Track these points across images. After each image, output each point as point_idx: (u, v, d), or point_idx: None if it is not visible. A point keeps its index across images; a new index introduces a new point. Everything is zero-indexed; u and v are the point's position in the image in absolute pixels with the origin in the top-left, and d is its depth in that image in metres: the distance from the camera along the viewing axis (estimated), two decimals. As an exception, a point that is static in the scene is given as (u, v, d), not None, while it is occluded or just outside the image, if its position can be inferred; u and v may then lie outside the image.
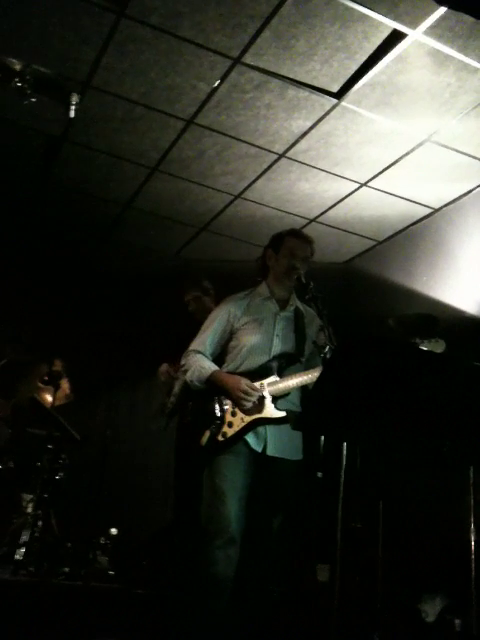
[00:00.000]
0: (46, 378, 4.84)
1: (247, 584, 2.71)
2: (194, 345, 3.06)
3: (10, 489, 4.55)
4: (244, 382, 2.83)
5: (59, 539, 4.46)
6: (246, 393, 2.80)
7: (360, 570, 3.50)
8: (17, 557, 4.08)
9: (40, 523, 4.30)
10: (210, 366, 2.96)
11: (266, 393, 2.83)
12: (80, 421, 5.06)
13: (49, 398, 4.85)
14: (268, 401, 2.83)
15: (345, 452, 2.00)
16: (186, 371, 2.99)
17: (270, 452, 2.81)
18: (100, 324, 5.98)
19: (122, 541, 4.96)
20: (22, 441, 4.62)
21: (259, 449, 2.80)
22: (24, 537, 4.23)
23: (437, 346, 2.88)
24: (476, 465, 2.14)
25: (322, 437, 3.53)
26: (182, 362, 3.05)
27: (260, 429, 2.82)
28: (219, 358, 3.04)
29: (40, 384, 4.92)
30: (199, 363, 2.97)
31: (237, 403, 2.81)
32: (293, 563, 4.06)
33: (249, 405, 2.80)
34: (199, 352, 3.01)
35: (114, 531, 4.99)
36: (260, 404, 2.83)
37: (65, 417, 4.82)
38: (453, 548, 2.96)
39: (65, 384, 4.95)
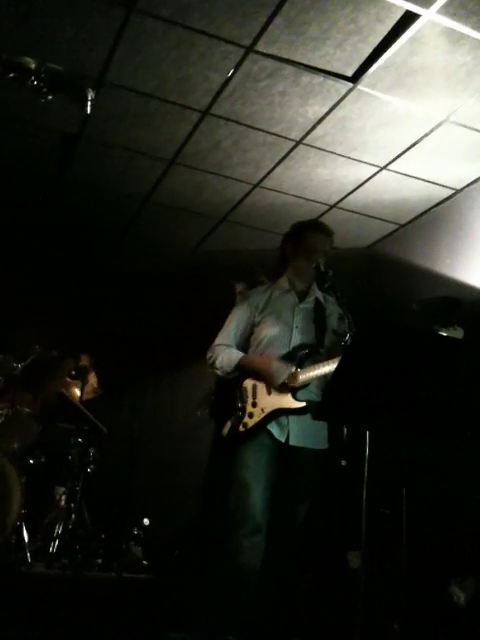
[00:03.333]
0: (73, 373, 4.90)
1: (272, 572, 2.73)
2: (218, 339, 3.12)
3: (43, 483, 4.62)
4: (273, 359, 2.89)
5: (92, 531, 4.53)
6: (278, 369, 2.84)
7: (390, 556, 3.50)
8: (51, 550, 4.16)
9: (73, 516, 4.37)
10: (237, 352, 3.03)
11: (293, 368, 2.85)
12: (107, 416, 5.11)
13: (77, 392, 4.92)
14: (288, 392, 2.84)
15: (368, 440, 2.00)
16: (214, 362, 3.04)
17: (293, 442, 2.83)
18: (123, 320, 6.02)
19: (155, 531, 5.02)
20: (52, 436, 4.68)
21: (282, 439, 2.82)
22: (58, 530, 4.30)
23: (456, 333, 2.85)
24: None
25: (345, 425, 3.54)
26: (208, 356, 3.10)
27: (283, 419, 2.84)
28: (242, 351, 3.08)
29: (68, 379, 4.99)
30: (226, 352, 3.04)
31: (269, 379, 2.83)
32: (324, 550, 4.07)
33: (281, 380, 2.82)
34: (225, 345, 3.06)
35: (147, 522, 5.05)
36: (280, 394, 2.84)
37: (92, 411, 4.88)
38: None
39: (92, 378, 5.00)
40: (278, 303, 3.09)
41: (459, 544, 3.27)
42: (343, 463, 3.47)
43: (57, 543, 4.21)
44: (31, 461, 4.33)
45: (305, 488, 2.90)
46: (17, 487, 3.83)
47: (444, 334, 2.57)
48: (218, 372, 3.06)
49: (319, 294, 3.14)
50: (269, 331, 3.01)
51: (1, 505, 3.75)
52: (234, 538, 2.66)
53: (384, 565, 3.49)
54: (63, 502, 4.48)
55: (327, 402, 2.10)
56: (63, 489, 4.57)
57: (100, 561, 4.23)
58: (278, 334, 3.00)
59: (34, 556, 3.99)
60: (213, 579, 2.98)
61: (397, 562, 3.37)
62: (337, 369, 2.01)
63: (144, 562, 4.69)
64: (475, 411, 1.98)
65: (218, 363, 3.02)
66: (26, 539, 3.95)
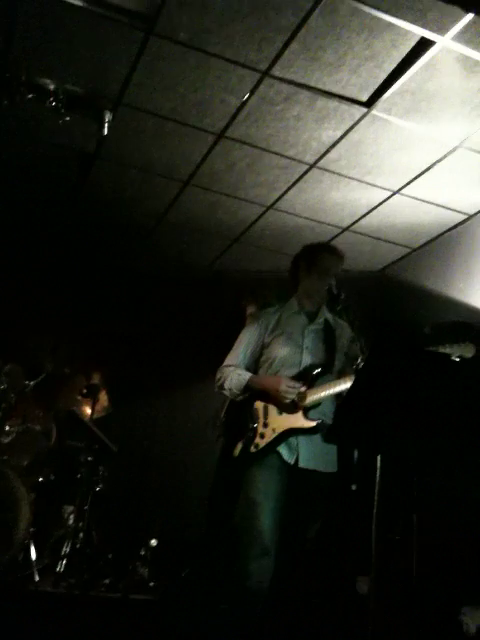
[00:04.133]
0: (85, 391, 4.91)
1: (281, 594, 2.70)
2: (228, 360, 3.13)
3: (52, 501, 4.61)
4: (283, 378, 2.88)
5: (99, 551, 4.50)
6: (287, 387, 2.84)
7: (400, 583, 3.45)
8: (58, 569, 4.13)
9: (81, 535, 4.35)
10: (246, 373, 3.03)
11: (301, 388, 2.85)
12: (118, 434, 5.11)
13: (88, 410, 4.93)
14: (300, 412, 2.84)
15: (379, 464, 1.99)
16: (222, 383, 3.04)
17: (302, 464, 2.81)
18: (136, 337, 6.04)
19: (163, 552, 4.99)
20: (62, 453, 4.68)
21: (291, 461, 2.80)
22: (65, 549, 4.28)
23: (467, 350, 2.84)
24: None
25: (355, 449, 3.52)
26: (217, 377, 3.10)
27: (292, 440, 2.83)
28: (252, 371, 3.08)
29: (79, 397, 4.99)
30: (235, 372, 3.03)
31: (278, 399, 2.83)
32: (332, 575, 4.03)
33: (290, 399, 2.81)
34: (233, 366, 3.06)
35: (154, 542, 5.01)
36: (291, 415, 2.84)
37: (103, 429, 4.88)
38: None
39: (103, 397, 5.02)
40: (288, 324, 3.09)
41: (472, 572, 3.23)
42: (354, 487, 3.44)
43: (64, 562, 4.18)
44: (40, 479, 4.33)
45: (314, 511, 2.88)
46: (26, 504, 3.82)
47: (455, 353, 2.56)
48: (226, 394, 3.06)
49: (328, 315, 3.15)
50: (279, 352, 3.02)
51: (9, 522, 3.74)
52: (240, 561, 2.63)
53: (393, 591, 3.45)
54: (71, 521, 4.46)
55: (338, 425, 2.09)
56: (72, 507, 4.55)
57: (107, 581, 4.19)
58: (288, 355, 3.00)
59: (41, 574, 3.97)
60: (220, 601, 2.96)
61: (406, 588, 3.32)
62: (349, 392, 2.01)
63: (151, 583, 4.65)
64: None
65: (227, 385, 3.02)
66: (34, 557, 3.93)
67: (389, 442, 1.96)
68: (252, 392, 2.97)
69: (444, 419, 1.89)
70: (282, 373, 2.97)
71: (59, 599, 3.75)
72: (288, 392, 2.84)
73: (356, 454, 3.46)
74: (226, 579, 2.82)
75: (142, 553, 4.86)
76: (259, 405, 2.92)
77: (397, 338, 4.29)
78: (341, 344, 3.06)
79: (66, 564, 4.17)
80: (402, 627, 3.06)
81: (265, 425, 2.85)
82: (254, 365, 3.11)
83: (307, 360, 3.00)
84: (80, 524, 4.38)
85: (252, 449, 2.80)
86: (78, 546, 4.28)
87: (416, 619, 3.11)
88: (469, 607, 3.10)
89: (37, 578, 3.85)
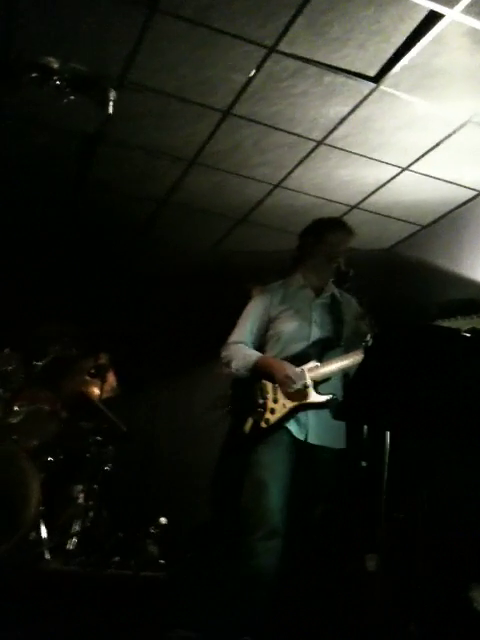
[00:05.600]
0: (93, 371, 4.92)
1: (290, 574, 2.71)
2: (234, 336, 3.08)
3: (61, 481, 4.64)
4: (289, 367, 2.85)
5: (110, 529, 4.54)
6: (290, 377, 2.81)
7: (409, 559, 3.47)
8: (69, 547, 4.17)
9: (91, 514, 4.38)
10: (254, 353, 2.99)
11: (308, 379, 2.83)
12: (124, 415, 5.13)
13: (96, 391, 4.94)
14: (310, 387, 2.83)
15: (388, 441, 1.98)
16: (229, 362, 3.01)
17: (311, 440, 2.81)
18: (141, 319, 6.05)
19: (172, 530, 5.03)
20: (71, 434, 4.70)
21: (302, 437, 2.80)
22: (75, 527, 4.32)
23: (477, 323, 2.81)
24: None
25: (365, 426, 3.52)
26: (222, 354, 3.06)
27: (302, 417, 2.82)
28: (259, 349, 3.06)
29: (87, 377, 5.01)
30: (242, 351, 3.00)
31: (282, 386, 2.82)
32: (341, 553, 4.05)
33: (294, 389, 2.80)
34: (240, 342, 3.02)
35: (163, 520, 5.05)
36: (302, 390, 2.83)
37: (110, 410, 4.89)
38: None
39: (111, 377, 5.03)
40: (295, 298, 3.07)
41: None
42: (363, 464, 3.44)
43: (75, 540, 4.22)
44: (50, 458, 4.35)
45: (323, 487, 2.88)
46: (35, 484, 3.84)
47: (464, 327, 2.54)
48: (233, 372, 3.02)
49: (335, 290, 3.13)
50: (287, 326, 2.99)
51: (20, 501, 3.77)
52: (248, 541, 2.63)
53: (402, 568, 3.47)
54: (81, 500, 4.50)
55: (348, 402, 2.09)
56: (81, 487, 4.58)
57: (117, 559, 4.23)
58: (297, 329, 2.98)
59: (52, 553, 4.01)
60: (226, 582, 2.97)
61: (415, 565, 3.34)
62: (358, 370, 2.00)
63: (161, 561, 4.69)
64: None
65: (234, 365, 2.99)
66: (44, 535, 3.97)
67: (397, 420, 1.96)
68: (258, 374, 2.95)
69: (453, 398, 1.88)
70: (291, 348, 2.95)
71: (70, 577, 3.78)
72: (291, 380, 2.81)
73: (365, 430, 3.46)
74: (232, 560, 2.82)
75: (152, 531, 4.90)
76: (267, 381, 2.90)
77: (405, 316, 4.28)
78: (348, 319, 3.05)
79: (77, 542, 4.21)
80: (411, 604, 3.08)
81: (275, 400, 2.83)
82: (260, 340, 3.08)
83: (316, 334, 2.99)
84: (90, 503, 4.41)
85: (263, 425, 2.79)
86: (88, 525, 4.32)
87: (425, 596, 3.13)
88: (477, 582, 3.12)
89: (48, 557, 3.89)
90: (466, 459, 3.07)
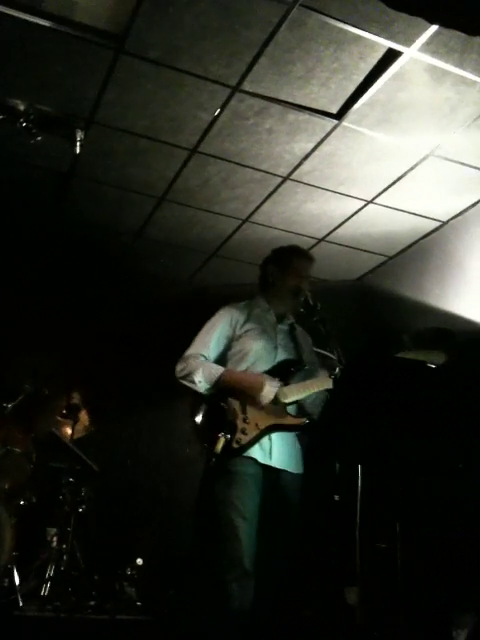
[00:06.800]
0: (65, 411, 4.87)
1: (265, 608, 2.64)
2: (194, 349, 2.96)
3: (34, 524, 4.55)
4: (266, 378, 2.79)
5: (85, 572, 4.45)
6: (268, 385, 2.77)
7: (388, 591, 3.44)
8: (43, 592, 4.08)
9: (65, 557, 4.30)
10: (218, 366, 2.89)
11: (287, 397, 2.81)
12: (101, 451, 5.07)
13: (69, 431, 4.88)
14: (281, 407, 2.80)
15: (360, 474, 1.98)
16: (189, 375, 2.86)
17: (275, 463, 2.77)
18: (117, 354, 6.01)
19: (149, 571, 4.93)
20: (44, 475, 4.63)
21: (266, 461, 2.75)
22: (50, 572, 4.23)
23: (438, 358, 2.85)
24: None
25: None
26: (180, 368, 2.92)
27: (265, 441, 2.77)
28: (218, 364, 2.96)
29: (59, 417, 4.95)
30: (205, 364, 2.88)
31: (257, 399, 2.76)
32: (321, 586, 4.01)
33: (269, 400, 2.76)
34: (202, 355, 2.93)
35: (140, 561, 4.96)
36: (274, 410, 2.79)
37: (86, 449, 4.83)
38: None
39: (84, 416, 4.97)
40: (259, 320, 3.04)
41: (458, 578, 3.23)
42: (336, 498, 3.43)
43: (49, 585, 4.13)
44: (22, 502, 4.27)
45: (291, 514, 2.79)
46: (8, 529, 3.77)
47: (427, 362, 2.57)
48: (193, 386, 2.85)
49: (292, 321, 3.16)
50: (253, 345, 2.92)
51: (-8, 547, 3.69)
52: (222, 583, 2.55)
53: (381, 600, 3.44)
54: (55, 543, 4.41)
55: (319, 437, 2.09)
56: (55, 530, 4.50)
57: (93, 603, 4.14)
58: (263, 349, 2.93)
59: (26, 599, 3.91)
60: (206, 621, 2.90)
61: (395, 597, 3.32)
62: (328, 401, 2.01)
63: (138, 603, 4.60)
64: (466, 437, 1.98)
65: (197, 377, 2.82)
66: (17, 582, 3.87)
67: (369, 452, 1.96)
68: (224, 387, 2.82)
69: (422, 425, 1.90)
70: (257, 367, 2.90)
71: (44, 623, 3.69)
72: (268, 390, 2.76)
73: (337, 464, 3.45)
74: (210, 599, 2.75)
75: (128, 572, 4.81)
76: (234, 400, 2.81)
77: (373, 350, 4.32)
78: (306, 349, 3.07)
79: (51, 587, 4.12)
80: (391, 634, 3.05)
81: (245, 420, 2.77)
82: (221, 357, 2.99)
83: (281, 355, 2.98)
84: (64, 546, 4.33)
85: (234, 445, 2.70)
86: (63, 568, 4.23)
87: (405, 627, 3.10)
88: (457, 612, 3.10)
89: (21, 603, 3.79)
90: (440, 488, 3.07)
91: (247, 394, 2.79)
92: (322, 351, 3.02)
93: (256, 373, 2.86)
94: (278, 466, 2.78)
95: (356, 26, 3.02)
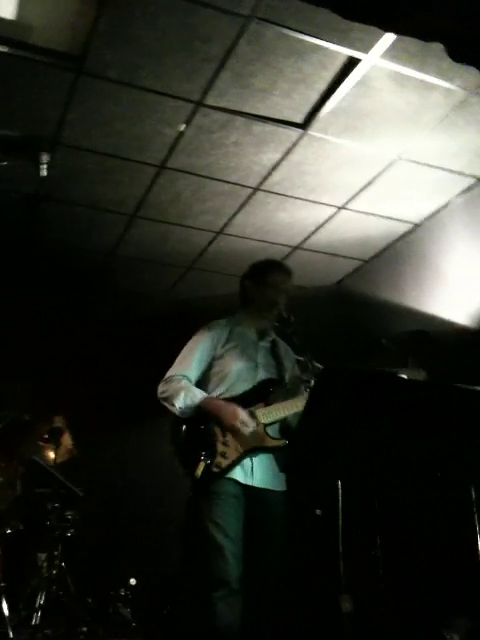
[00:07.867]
0: (46, 436, 4.81)
1: (253, 622, 2.63)
2: (177, 370, 2.96)
3: (23, 551, 4.49)
4: (241, 411, 2.77)
5: (76, 597, 4.39)
6: (244, 423, 2.75)
7: (382, 598, 3.43)
8: (34, 621, 4.02)
9: (55, 583, 4.24)
10: (199, 392, 2.88)
11: (261, 420, 2.80)
12: (89, 474, 5.02)
13: (52, 455, 4.83)
14: (261, 429, 2.79)
15: (340, 490, 1.97)
16: (170, 398, 2.85)
17: (257, 483, 2.76)
18: (99, 373, 5.97)
19: (144, 590, 4.88)
20: (29, 502, 4.57)
21: (248, 482, 2.74)
22: (40, 600, 4.16)
23: (418, 376, 2.85)
24: (476, 484, 2.11)
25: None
26: (162, 390, 2.92)
27: (246, 461, 2.76)
28: (198, 385, 2.96)
29: (40, 443, 4.89)
30: (187, 389, 2.87)
31: (233, 432, 2.76)
32: (315, 595, 3.99)
33: (246, 433, 2.75)
34: (185, 377, 2.92)
35: (133, 581, 4.91)
36: (254, 433, 2.78)
37: (72, 471, 4.78)
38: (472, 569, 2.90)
39: (67, 440, 4.92)
40: (240, 338, 3.03)
41: (452, 583, 3.22)
42: (318, 512, 3.42)
43: (40, 613, 4.06)
44: (8, 531, 4.21)
45: (275, 531, 2.79)
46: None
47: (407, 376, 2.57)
48: (172, 410, 2.84)
49: (275, 336, 3.14)
50: (234, 365, 2.92)
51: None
52: (209, 601, 2.55)
53: (376, 607, 3.43)
54: (45, 570, 4.35)
55: (295, 454, 2.07)
56: (44, 556, 4.44)
57: (85, 629, 4.08)
58: (243, 368, 2.92)
59: (17, 629, 3.85)
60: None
61: (388, 603, 3.31)
62: (302, 418, 1.99)
63: (133, 624, 4.54)
64: (445, 449, 1.97)
65: (178, 403, 2.81)
66: (6, 612, 3.81)
67: (346, 468, 1.95)
68: (202, 414, 2.81)
69: (399, 441, 1.89)
70: (237, 387, 2.89)
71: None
72: (245, 426, 2.76)
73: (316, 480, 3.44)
74: (198, 617, 2.73)
75: (122, 593, 4.76)
76: (214, 423, 2.81)
77: (356, 348, 4.31)
78: (288, 365, 3.06)
79: (42, 615, 4.05)
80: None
81: (225, 443, 2.76)
82: (203, 377, 2.98)
83: (262, 375, 2.96)
84: (54, 572, 4.27)
85: (214, 469, 2.70)
86: (53, 595, 4.17)
87: (398, 633, 3.09)
88: (449, 618, 3.09)
89: (11, 634, 3.72)
90: (420, 496, 3.07)
91: (223, 424, 2.78)
92: (301, 358, 3.01)
93: (235, 410, 2.79)
94: (260, 486, 2.77)
95: (314, 36, 3.02)
